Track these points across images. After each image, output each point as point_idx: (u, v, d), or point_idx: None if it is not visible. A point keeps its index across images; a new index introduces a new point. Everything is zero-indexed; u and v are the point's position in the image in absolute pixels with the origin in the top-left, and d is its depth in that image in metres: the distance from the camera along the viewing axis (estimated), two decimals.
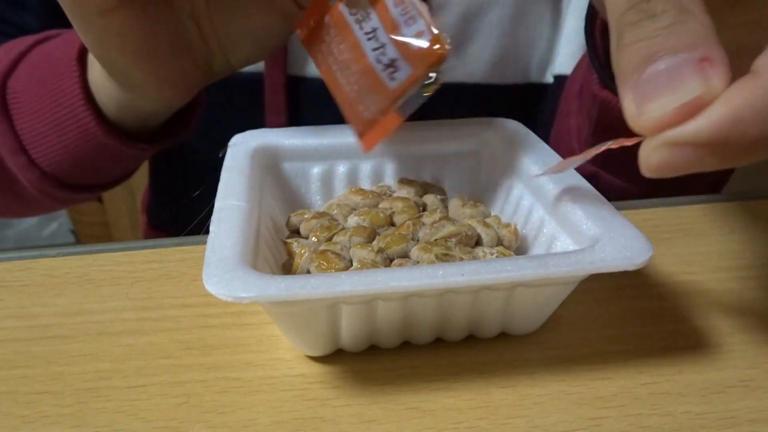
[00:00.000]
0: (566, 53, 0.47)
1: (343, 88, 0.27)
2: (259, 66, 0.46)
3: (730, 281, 0.32)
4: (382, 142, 0.34)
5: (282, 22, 0.31)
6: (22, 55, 0.38)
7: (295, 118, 0.47)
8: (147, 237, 0.59)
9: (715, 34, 0.17)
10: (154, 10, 0.29)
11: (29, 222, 1.45)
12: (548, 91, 0.49)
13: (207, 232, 0.24)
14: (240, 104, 0.48)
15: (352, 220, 0.29)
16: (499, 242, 0.29)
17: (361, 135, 0.28)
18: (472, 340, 0.27)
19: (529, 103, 0.49)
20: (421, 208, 0.31)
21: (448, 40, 0.24)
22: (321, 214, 0.30)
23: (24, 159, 0.38)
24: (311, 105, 0.47)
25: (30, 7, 0.45)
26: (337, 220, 0.29)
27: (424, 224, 0.28)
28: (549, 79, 0.48)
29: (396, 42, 0.25)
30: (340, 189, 0.33)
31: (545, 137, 0.49)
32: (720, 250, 0.34)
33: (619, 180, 0.44)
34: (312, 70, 0.47)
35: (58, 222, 1.44)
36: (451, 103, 0.47)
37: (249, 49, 0.33)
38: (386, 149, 0.34)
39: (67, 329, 0.29)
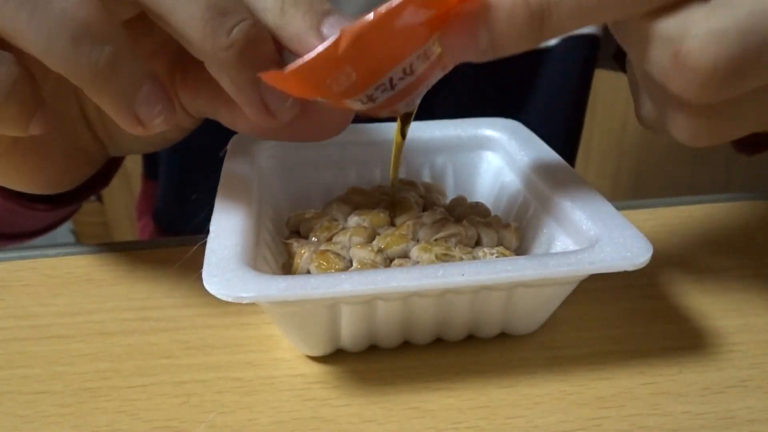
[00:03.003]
0: None
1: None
2: None
3: (730, 281, 0.32)
4: (382, 143, 0.34)
5: (179, 133, 0.30)
6: None
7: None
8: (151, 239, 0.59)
9: None
10: (48, 132, 0.25)
11: None
12: (548, 54, 0.49)
13: (207, 232, 0.24)
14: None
15: (352, 220, 0.29)
16: (499, 242, 0.29)
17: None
18: (472, 340, 0.27)
19: (529, 69, 0.49)
20: (421, 208, 0.31)
21: None
22: (321, 214, 0.30)
23: None
24: None
25: None
26: (337, 220, 0.29)
27: (424, 224, 0.28)
28: (547, 42, 0.48)
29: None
30: (340, 189, 0.33)
31: (547, 103, 0.49)
32: (720, 250, 0.34)
33: None
34: None
35: None
36: (451, 78, 0.46)
37: (142, 147, 0.31)
38: (386, 149, 0.34)
39: (67, 329, 0.29)
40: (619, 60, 0.54)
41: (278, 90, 0.22)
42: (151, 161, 0.59)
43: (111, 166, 0.34)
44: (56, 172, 0.28)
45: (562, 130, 0.51)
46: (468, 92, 0.48)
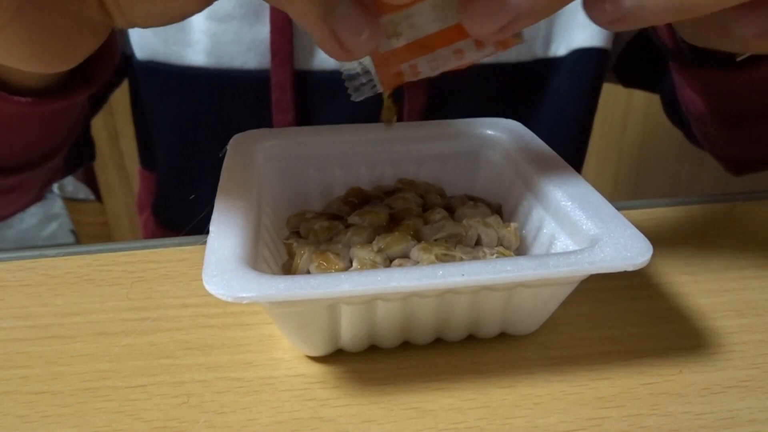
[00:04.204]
0: (593, 26, 0.47)
1: None
2: (265, 63, 0.46)
3: (730, 281, 0.32)
4: (382, 143, 0.34)
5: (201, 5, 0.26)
6: None
7: (303, 115, 0.47)
8: (152, 235, 0.59)
9: None
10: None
11: (29, 222, 1.45)
12: (556, 65, 0.49)
13: (207, 232, 0.24)
14: (247, 104, 0.48)
15: (352, 220, 0.29)
16: (499, 242, 0.29)
17: None
18: (471, 340, 0.27)
19: (537, 80, 0.49)
20: (421, 208, 0.31)
21: None
22: (321, 214, 0.30)
23: None
24: (320, 100, 0.47)
25: None
26: (337, 220, 0.29)
27: (424, 224, 0.28)
28: (555, 53, 0.49)
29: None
30: (340, 189, 0.33)
31: (555, 113, 0.49)
32: (720, 250, 0.34)
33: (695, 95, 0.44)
34: (319, 63, 0.46)
35: (58, 222, 1.44)
36: (460, 86, 0.47)
37: (153, 18, 0.27)
38: (386, 149, 0.34)
39: (67, 329, 0.29)
40: (618, 72, 0.54)
41: (352, 23, 0.21)
42: (145, 149, 0.59)
43: (106, 58, 0.35)
44: (61, 44, 0.26)
45: (569, 140, 0.51)
46: (476, 101, 0.48)
